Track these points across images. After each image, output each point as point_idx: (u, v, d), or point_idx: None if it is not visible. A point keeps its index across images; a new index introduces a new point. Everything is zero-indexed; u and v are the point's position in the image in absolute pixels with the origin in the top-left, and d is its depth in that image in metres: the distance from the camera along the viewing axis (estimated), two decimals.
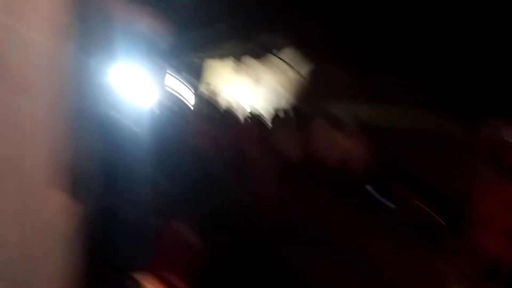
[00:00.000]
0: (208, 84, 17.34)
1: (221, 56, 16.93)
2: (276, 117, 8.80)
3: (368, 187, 7.08)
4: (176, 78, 17.09)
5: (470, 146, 5.17)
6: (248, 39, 15.48)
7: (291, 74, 12.62)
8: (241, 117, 8.65)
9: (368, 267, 4.98)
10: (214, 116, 8.58)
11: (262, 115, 8.56)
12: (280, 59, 12.99)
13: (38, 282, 1.04)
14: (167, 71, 16.02)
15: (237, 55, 15.79)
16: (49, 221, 1.36)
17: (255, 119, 8.56)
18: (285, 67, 12.89)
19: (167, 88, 15.30)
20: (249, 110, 8.79)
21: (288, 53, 12.76)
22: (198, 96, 13.49)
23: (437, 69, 11.99)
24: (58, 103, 2.13)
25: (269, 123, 8.06)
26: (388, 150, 7.40)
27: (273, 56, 13.28)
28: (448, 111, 8.10)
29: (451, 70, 11.82)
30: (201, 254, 2.40)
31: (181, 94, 14.34)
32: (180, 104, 10.64)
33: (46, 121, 1.24)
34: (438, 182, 5.93)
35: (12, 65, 0.84)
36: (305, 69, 12.09)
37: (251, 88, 14.82)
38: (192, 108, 8.81)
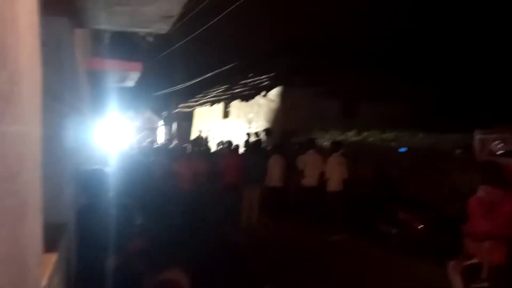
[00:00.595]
0: (198, 130, 17.59)
1: (211, 102, 17.30)
2: (264, 151, 8.84)
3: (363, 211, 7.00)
4: (165, 125, 17.29)
5: (466, 163, 5.14)
6: (235, 83, 15.91)
7: (279, 110, 12.82)
8: (228, 154, 8.70)
9: None
10: (203, 157, 8.68)
11: (251, 151, 8.57)
12: (267, 97, 13.26)
13: None
14: (157, 120, 16.23)
15: (226, 99, 16.14)
16: (41, 284, 1.31)
17: (242, 156, 8.59)
18: (273, 104, 13.12)
19: (156, 136, 15.49)
20: (236, 148, 8.90)
21: (275, 91, 13.05)
22: (188, 141, 13.58)
23: (420, 93, 12.35)
24: (50, 165, 2.14)
25: (257, 158, 8.06)
26: (382, 172, 7.40)
27: (260, 95, 13.57)
28: (441, 130, 8.22)
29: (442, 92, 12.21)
30: None
31: (170, 140, 14.46)
32: (168, 150, 10.76)
33: (38, 185, 1.24)
34: (435, 200, 5.85)
35: (7, 136, 0.86)
36: (292, 104, 12.33)
37: (240, 128, 15.00)
38: (181, 152, 8.88)
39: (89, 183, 2.69)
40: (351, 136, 9.50)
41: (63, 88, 2.67)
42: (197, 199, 7.89)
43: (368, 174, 7.58)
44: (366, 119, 11.41)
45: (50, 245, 1.68)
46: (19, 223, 0.99)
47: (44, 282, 1.33)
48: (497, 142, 4.80)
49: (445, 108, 11.87)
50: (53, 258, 1.62)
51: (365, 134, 9.25)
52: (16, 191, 0.98)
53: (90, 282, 2.66)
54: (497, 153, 4.79)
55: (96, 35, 4.82)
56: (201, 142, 13.84)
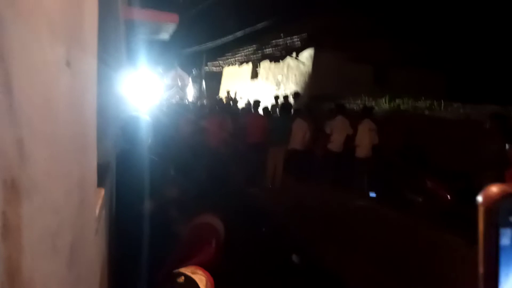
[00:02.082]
0: (226, 90, 17.57)
1: (240, 61, 17.13)
2: (291, 114, 8.82)
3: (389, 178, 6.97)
4: (194, 83, 17.32)
5: (499, 133, 4.96)
6: (266, 43, 15.59)
7: (309, 73, 12.57)
8: (255, 115, 8.75)
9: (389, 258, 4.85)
10: (230, 116, 8.79)
11: (279, 113, 8.57)
12: (298, 59, 12.98)
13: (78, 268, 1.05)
14: (186, 78, 16.26)
15: (255, 59, 15.93)
16: (95, 215, 1.40)
17: (268, 117, 8.62)
18: (303, 67, 12.86)
19: (185, 94, 15.58)
20: (264, 109, 8.93)
21: (306, 53, 12.75)
22: (216, 100, 13.63)
23: (455, 62, 11.81)
24: (90, 112, 2.22)
25: (283, 120, 8.09)
26: (409, 139, 7.29)
27: (290, 57, 13.31)
28: (466, 99, 7.97)
29: (467, 63, 11.64)
30: (225, 245, 2.39)
31: (199, 98, 14.53)
32: (197, 107, 10.85)
33: (94, 119, 1.28)
34: (465, 170, 5.74)
35: (77, 64, 0.90)
36: (323, 67, 12.04)
37: (268, 89, 14.87)
38: (209, 111, 8.97)
39: (127, 128, 2.79)
40: (383, 102, 9.28)
41: (106, 37, 2.70)
42: (222, 156, 8.06)
43: (398, 142, 7.47)
44: (398, 86, 11.07)
45: (98, 181, 1.77)
46: (82, 150, 1.05)
47: (97, 211, 1.42)
48: None
49: (483, 77, 11.35)
50: (101, 192, 1.71)
51: (397, 101, 9.01)
52: (80, 121, 1.02)
53: (127, 221, 2.81)
54: None
55: None
56: (229, 101, 13.88)
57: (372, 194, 6.83)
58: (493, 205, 0.47)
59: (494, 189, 0.47)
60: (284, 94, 11.91)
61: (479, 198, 0.48)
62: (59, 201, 0.76)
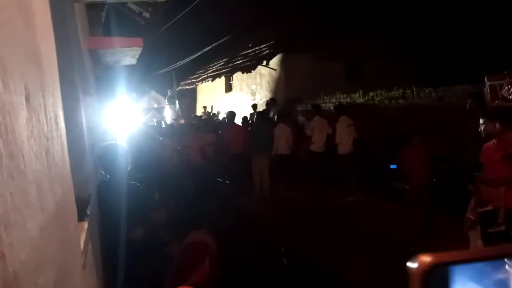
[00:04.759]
0: (203, 106, 17.54)
1: (212, 76, 17.16)
2: (270, 120, 8.85)
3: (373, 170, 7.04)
4: (170, 105, 17.20)
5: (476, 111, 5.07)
6: (235, 55, 15.68)
7: (281, 78, 12.69)
8: (234, 126, 8.73)
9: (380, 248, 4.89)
10: (209, 131, 8.79)
11: (258, 121, 8.56)
12: (269, 66, 13.09)
13: None
14: (162, 100, 16.09)
15: (227, 72, 15.99)
16: (80, 249, 1.36)
17: (248, 126, 8.62)
18: (274, 73, 12.97)
19: (162, 116, 15.43)
20: (242, 119, 8.94)
21: (275, 59, 12.88)
22: (193, 118, 13.57)
23: (424, 51, 12.10)
24: (70, 143, 2.16)
25: (263, 127, 8.08)
26: (388, 130, 7.41)
27: (261, 65, 13.41)
28: (437, 83, 8.20)
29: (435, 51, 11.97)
30: (220, 262, 2.36)
31: (177, 119, 14.43)
32: (176, 128, 10.81)
33: (66, 150, 1.25)
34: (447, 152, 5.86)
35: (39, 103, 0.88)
36: (294, 70, 12.18)
37: (244, 100, 14.92)
38: (188, 130, 8.95)
39: (105, 157, 2.74)
40: (357, 97, 9.42)
41: (71, 69, 2.66)
42: (207, 172, 8.01)
43: (378, 133, 7.57)
44: (370, 79, 11.27)
45: (79, 215, 1.73)
46: (55, 183, 1.02)
47: (82, 245, 1.38)
48: (509, 86, 4.71)
49: (451, 58, 11.67)
50: (84, 226, 1.67)
51: (371, 94, 9.16)
52: (49, 153, 1.00)
53: (117, 252, 2.74)
54: (510, 98, 4.71)
55: (92, 14, 4.76)
56: (207, 117, 13.86)
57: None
58: (423, 274, 0.48)
59: (425, 258, 0.49)
60: (261, 102, 11.98)
61: (411, 266, 0.50)
62: (35, 237, 0.74)
